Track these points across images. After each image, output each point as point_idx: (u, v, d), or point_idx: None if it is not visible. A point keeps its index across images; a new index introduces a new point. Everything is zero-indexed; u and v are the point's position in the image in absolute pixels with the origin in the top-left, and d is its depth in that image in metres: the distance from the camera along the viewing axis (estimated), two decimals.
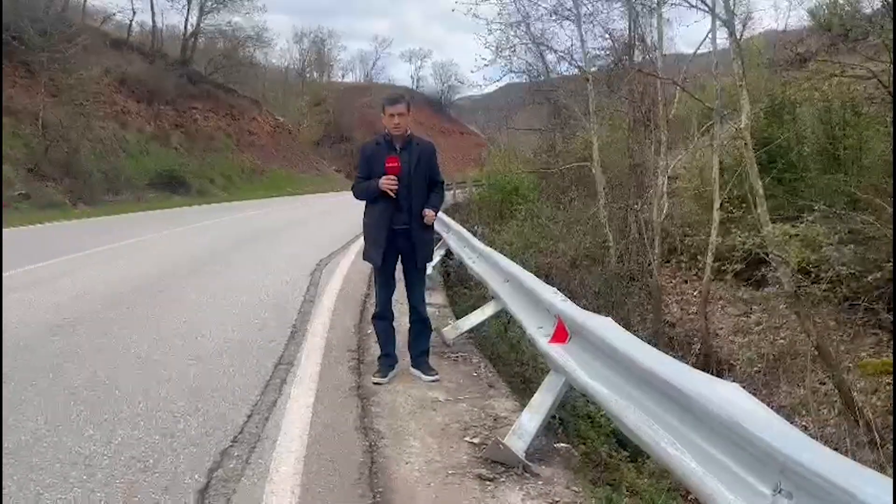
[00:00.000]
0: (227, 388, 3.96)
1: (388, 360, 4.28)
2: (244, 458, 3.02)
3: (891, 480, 1.30)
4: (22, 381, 3.96)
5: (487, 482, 2.87)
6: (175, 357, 4.56)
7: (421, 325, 4.38)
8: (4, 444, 3.07)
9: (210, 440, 3.20)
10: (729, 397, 1.77)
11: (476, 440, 3.33)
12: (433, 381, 4.26)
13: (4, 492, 2.65)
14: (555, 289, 3.57)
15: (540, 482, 2.91)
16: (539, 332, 3.50)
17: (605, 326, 2.69)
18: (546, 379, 3.26)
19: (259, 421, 3.47)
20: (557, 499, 2.76)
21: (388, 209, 4.05)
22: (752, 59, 19.33)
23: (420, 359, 4.36)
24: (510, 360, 5.50)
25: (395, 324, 4.41)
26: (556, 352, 3.14)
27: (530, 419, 3.09)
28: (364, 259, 4.35)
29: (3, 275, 7.21)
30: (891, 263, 9.95)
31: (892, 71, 9.89)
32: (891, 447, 7.81)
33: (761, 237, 8.85)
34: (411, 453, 3.17)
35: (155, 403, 3.67)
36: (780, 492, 1.54)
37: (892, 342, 10.52)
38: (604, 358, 2.65)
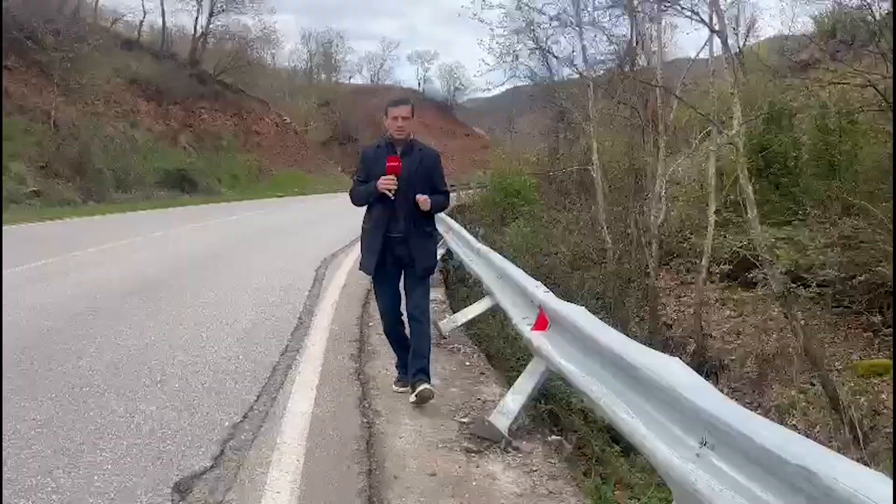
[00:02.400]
0: (238, 371, 4.29)
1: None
2: (254, 431, 3.35)
3: (778, 425, 1.60)
4: (47, 361, 4.30)
5: (473, 454, 3.19)
6: (188, 342, 4.89)
7: (418, 337, 3.78)
8: (37, 416, 3.41)
9: (223, 415, 3.52)
10: (668, 367, 2.09)
11: (465, 419, 3.65)
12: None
13: (41, 455, 2.98)
14: (538, 282, 3.88)
15: (520, 455, 3.23)
16: (524, 322, 3.82)
17: (576, 312, 3.01)
18: (529, 364, 3.58)
19: (267, 400, 3.80)
20: (535, 468, 3.07)
21: (384, 215, 3.74)
22: (754, 64, 19.60)
23: (417, 376, 3.73)
24: (505, 355, 5.80)
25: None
26: (537, 338, 3.45)
27: (513, 400, 3.40)
28: (360, 269, 4.05)
29: (23, 266, 7.58)
30: (880, 267, 10.22)
31: (893, 81, 10.11)
32: (874, 444, 8.08)
33: (749, 239, 9.16)
34: (405, 429, 3.49)
35: (171, 383, 4.00)
36: (704, 444, 1.85)
37: (883, 344, 10.77)
38: (572, 339, 2.97)
